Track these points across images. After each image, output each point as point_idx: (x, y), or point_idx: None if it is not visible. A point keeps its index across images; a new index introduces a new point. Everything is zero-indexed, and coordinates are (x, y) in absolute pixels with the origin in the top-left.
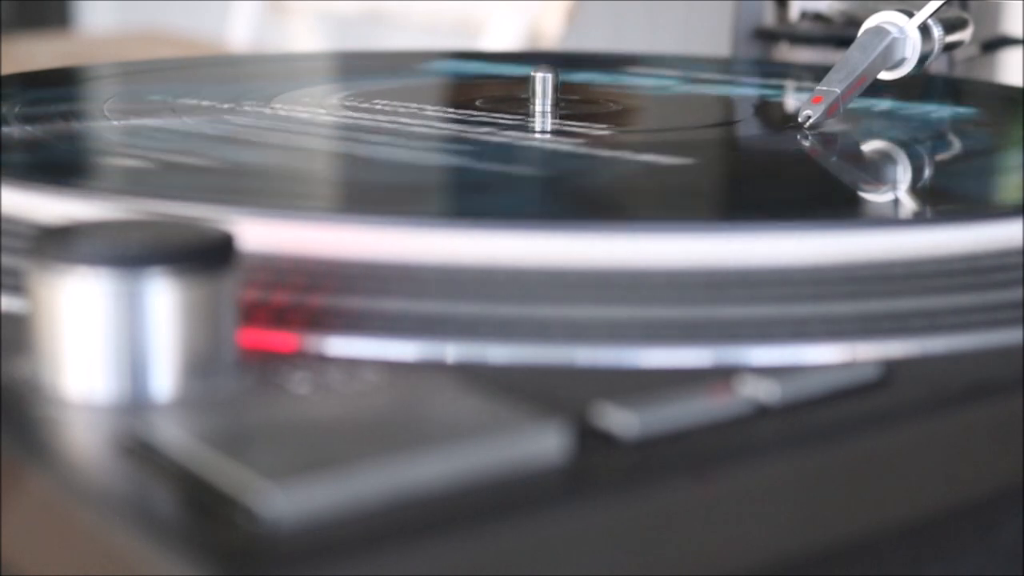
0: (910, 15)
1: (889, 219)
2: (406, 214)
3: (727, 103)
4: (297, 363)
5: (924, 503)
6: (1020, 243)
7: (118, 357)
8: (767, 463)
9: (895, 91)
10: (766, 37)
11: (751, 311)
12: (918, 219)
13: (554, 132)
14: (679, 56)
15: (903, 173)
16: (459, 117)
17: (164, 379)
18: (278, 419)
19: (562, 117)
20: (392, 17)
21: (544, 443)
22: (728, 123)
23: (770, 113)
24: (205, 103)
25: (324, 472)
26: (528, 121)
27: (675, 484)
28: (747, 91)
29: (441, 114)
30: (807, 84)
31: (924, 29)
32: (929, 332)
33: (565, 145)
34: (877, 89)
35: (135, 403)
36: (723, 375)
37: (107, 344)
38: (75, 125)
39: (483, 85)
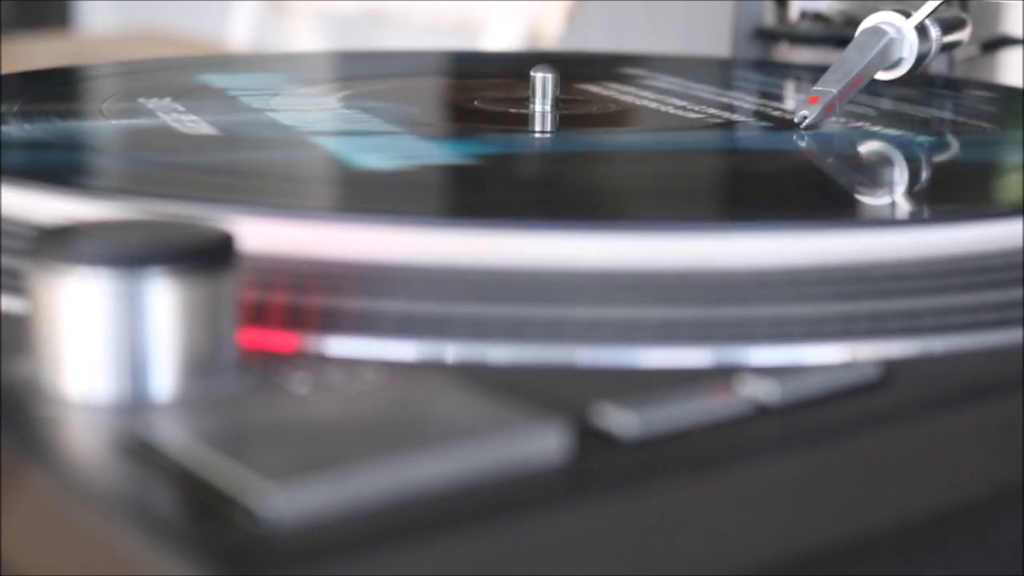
0: (908, 15)
1: (889, 219)
2: (406, 214)
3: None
4: (297, 363)
5: (924, 503)
6: (1020, 243)
7: (118, 357)
8: (767, 463)
9: (894, 91)
10: (766, 37)
11: (751, 311)
12: (918, 219)
13: (544, 131)
14: (677, 56)
15: (902, 173)
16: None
17: (164, 379)
18: (278, 419)
19: (561, 118)
20: (392, 17)
21: (544, 443)
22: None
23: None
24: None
25: (324, 472)
26: (528, 119)
27: (675, 484)
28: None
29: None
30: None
31: (922, 29)
32: (929, 332)
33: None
34: (875, 89)
35: (135, 403)
36: (723, 375)
37: (107, 344)
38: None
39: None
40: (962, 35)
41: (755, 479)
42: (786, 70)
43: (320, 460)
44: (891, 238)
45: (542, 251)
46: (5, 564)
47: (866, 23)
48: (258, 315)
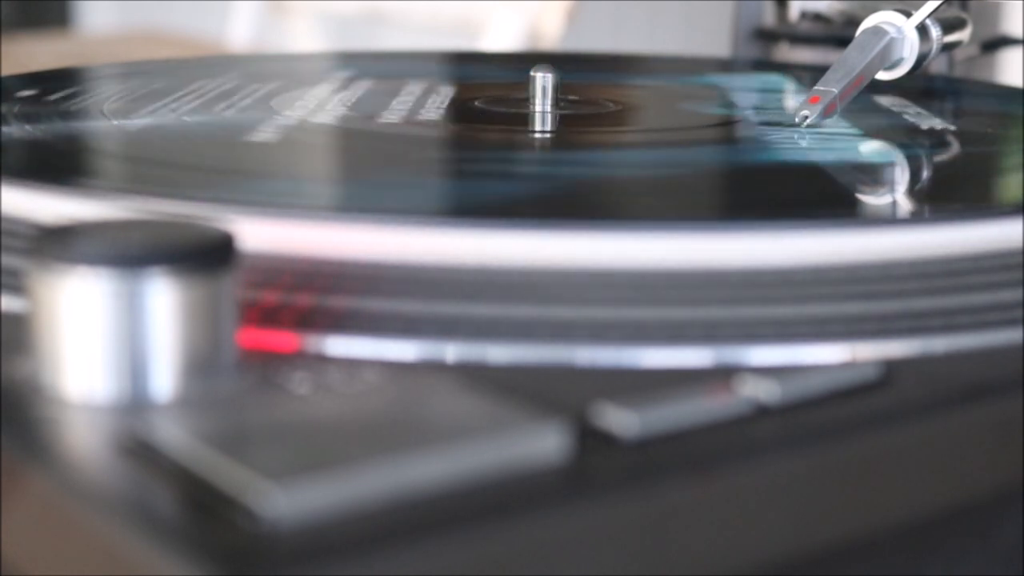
0: (908, 15)
1: (889, 219)
2: (406, 214)
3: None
4: (297, 363)
5: (924, 503)
6: (1020, 243)
7: (118, 357)
8: (767, 463)
9: (895, 91)
10: (766, 37)
11: (751, 311)
12: (918, 219)
13: (553, 132)
14: (677, 56)
15: (902, 173)
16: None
17: (164, 379)
18: (278, 419)
19: (562, 117)
20: (392, 17)
21: (544, 443)
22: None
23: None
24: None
25: (324, 472)
26: (530, 120)
27: (675, 484)
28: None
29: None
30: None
31: (922, 29)
32: (929, 332)
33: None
34: (875, 89)
35: (135, 403)
36: (723, 375)
37: (107, 344)
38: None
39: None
40: (962, 35)
41: (755, 479)
42: (786, 70)
43: (320, 460)
44: (891, 238)
45: (543, 251)
46: (5, 564)
47: (867, 23)
48: (258, 315)
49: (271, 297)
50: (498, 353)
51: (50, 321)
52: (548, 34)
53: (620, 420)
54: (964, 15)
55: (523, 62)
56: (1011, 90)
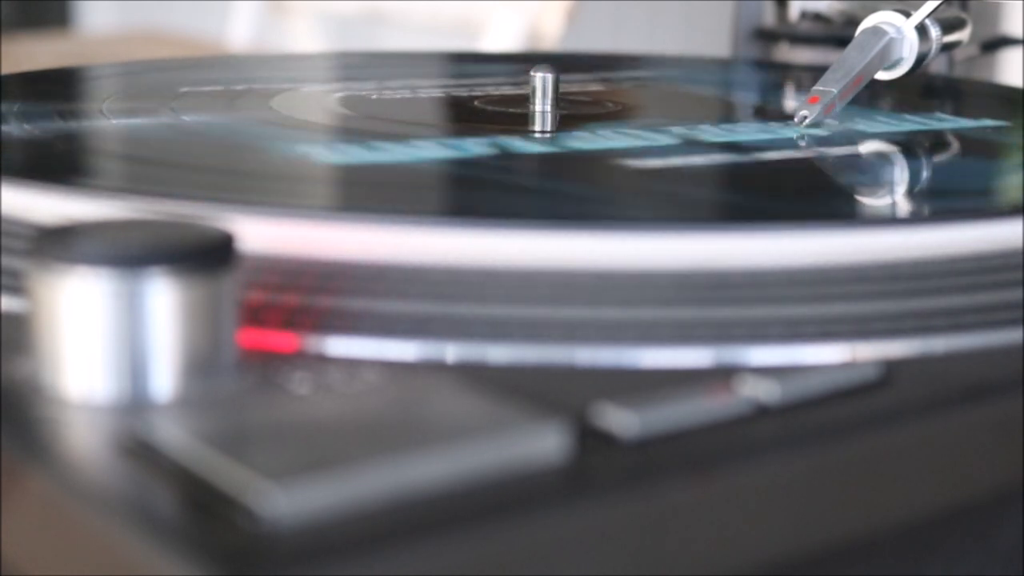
0: (908, 15)
1: (889, 219)
2: (406, 214)
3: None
4: (297, 363)
5: (924, 503)
6: (1020, 243)
7: (118, 357)
8: (767, 463)
9: (894, 92)
10: (766, 37)
11: (751, 311)
12: (917, 219)
13: (553, 131)
14: (678, 56)
15: (903, 173)
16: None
17: (164, 379)
18: (278, 419)
19: (563, 117)
20: (392, 17)
21: (544, 443)
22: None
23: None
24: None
25: (324, 472)
26: (528, 119)
27: (675, 484)
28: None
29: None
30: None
31: (921, 29)
32: (929, 332)
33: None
34: (875, 90)
35: (135, 403)
36: (723, 375)
37: (107, 344)
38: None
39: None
40: (962, 35)
41: (755, 479)
42: (786, 70)
43: (320, 460)
44: (891, 238)
45: (542, 251)
46: (5, 564)
47: (866, 23)
48: (258, 315)
49: (271, 297)
50: (498, 353)
51: (50, 321)
52: (548, 34)
53: (620, 420)
54: (964, 15)
55: (523, 62)
56: (1011, 90)
